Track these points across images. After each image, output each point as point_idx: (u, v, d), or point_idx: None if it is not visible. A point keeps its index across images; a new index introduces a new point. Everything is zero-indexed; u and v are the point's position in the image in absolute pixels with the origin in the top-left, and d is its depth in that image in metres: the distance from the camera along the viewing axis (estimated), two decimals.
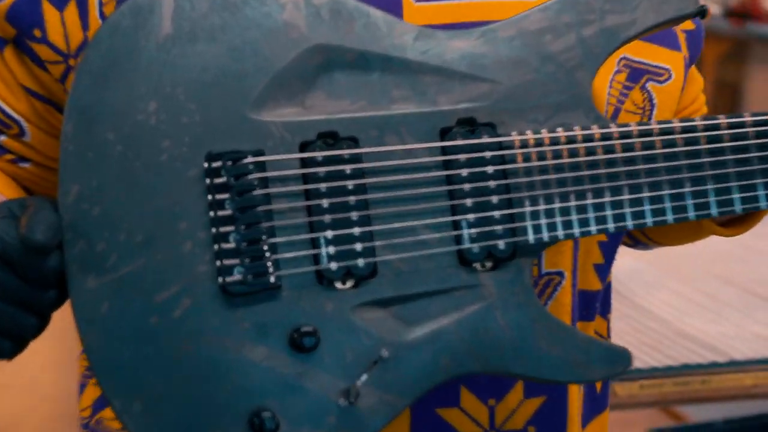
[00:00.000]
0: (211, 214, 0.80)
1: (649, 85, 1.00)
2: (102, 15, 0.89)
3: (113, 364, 0.78)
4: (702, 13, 0.91)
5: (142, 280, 0.79)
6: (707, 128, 0.89)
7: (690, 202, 0.88)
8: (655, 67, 1.00)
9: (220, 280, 0.80)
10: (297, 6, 0.83)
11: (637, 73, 0.99)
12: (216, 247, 0.80)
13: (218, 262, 0.80)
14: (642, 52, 1.00)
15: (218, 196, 0.80)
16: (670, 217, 0.88)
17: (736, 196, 0.89)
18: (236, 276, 0.80)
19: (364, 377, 0.81)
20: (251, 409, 0.79)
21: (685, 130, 0.88)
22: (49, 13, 0.89)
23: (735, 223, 1.07)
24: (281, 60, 0.83)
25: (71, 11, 0.89)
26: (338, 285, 0.82)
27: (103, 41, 0.80)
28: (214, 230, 0.80)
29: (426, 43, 0.86)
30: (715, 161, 0.88)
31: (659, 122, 0.88)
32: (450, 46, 0.87)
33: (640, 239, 1.18)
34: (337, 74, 0.85)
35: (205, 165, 0.80)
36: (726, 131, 0.89)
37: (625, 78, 0.99)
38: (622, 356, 0.88)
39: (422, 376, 0.83)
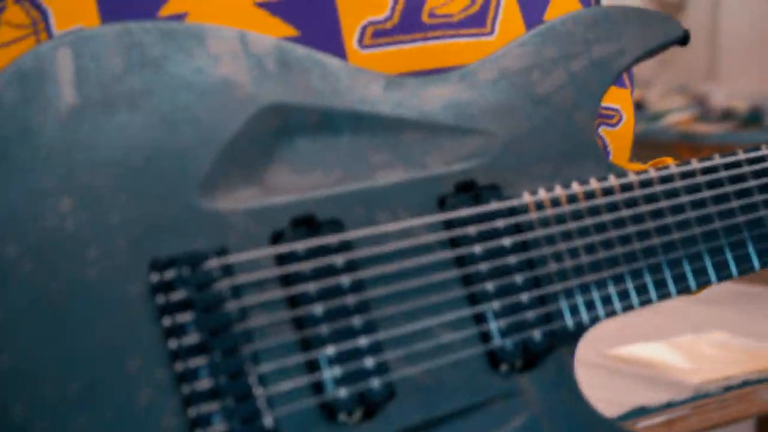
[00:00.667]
0: (171, 345, 0.57)
1: (602, 130, 0.87)
2: None
3: None
4: (686, 38, 0.78)
5: None
6: (728, 166, 0.75)
7: (730, 255, 0.73)
8: (605, 108, 0.87)
9: None
10: (235, 57, 0.63)
11: None
12: (185, 389, 0.56)
13: (191, 411, 0.56)
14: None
15: (178, 319, 0.57)
16: (713, 276, 0.72)
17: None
18: (219, 426, 0.57)
19: None
20: None
21: (706, 170, 0.74)
22: None
23: None
24: (227, 129, 0.62)
25: None
26: (351, 418, 0.60)
27: None
28: (178, 367, 0.57)
29: (399, 93, 0.68)
30: (745, 204, 0.74)
31: (677, 165, 0.73)
32: (427, 95, 0.69)
33: None
34: (299, 141, 0.64)
35: (153, 277, 0.57)
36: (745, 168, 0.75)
37: None
38: None
39: None
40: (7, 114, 0.57)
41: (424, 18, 0.75)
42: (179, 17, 0.68)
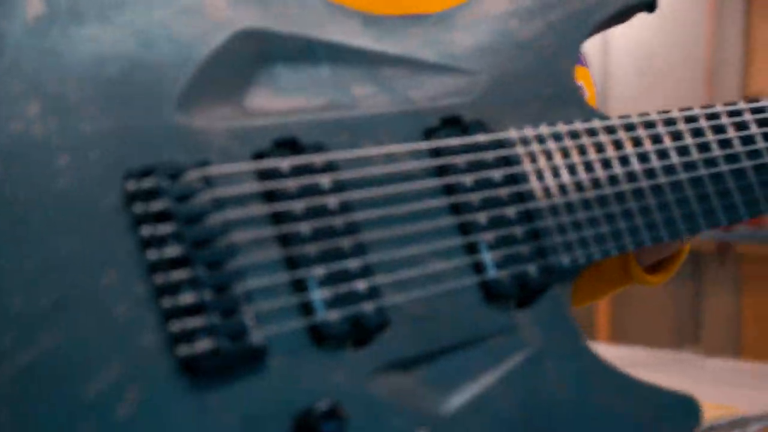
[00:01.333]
0: (151, 255, 0.52)
1: None
2: None
3: None
4: (654, 4, 0.78)
5: (59, 368, 0.49)
6: (709, 117, 0.73)
7: (717, 202, 0.71)
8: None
9: (182, 351, 0.51)
10: None
11: None
12: (166, 303, 0.52)
13: (174, 326, 0.51)
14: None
15: (158, 229, 0.53)
16: (702, 223, 0.70)
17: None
18: (205, 343, 0.52)
19: None
20: None
21: (688, 119, 0.72)
22: None
23: (658, 269, 0.94)
24: (204, 47, 0.58)
25: None
26: (340, 344, 0.56)
27: None
28: (158, 279, 0.52)
29: (378, 29, 0.65)
30: (729, 154, 0.73)
31: (659, 112, 0.72)
32: (407, 33, 0.66)
33: None
34: (279, 67, 0.61)
35: (130, 186, 0.53)
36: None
37: None
38: (692, 406, 0.67)
39: None
40: None
41: None
42: None
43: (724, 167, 0.72)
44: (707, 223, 0.71)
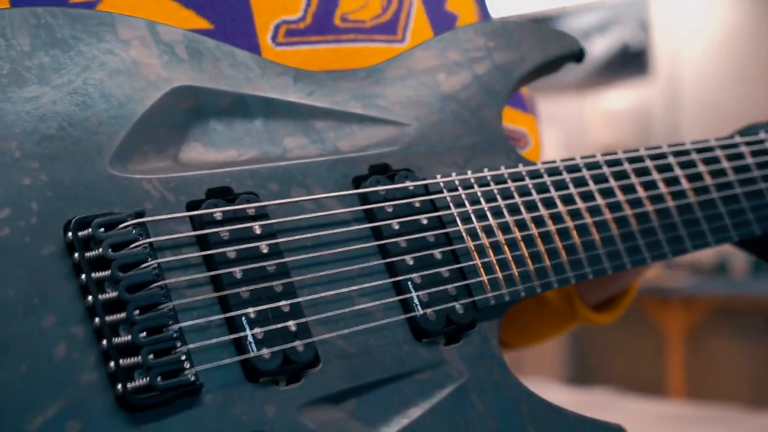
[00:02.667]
0: (89, 300, 0.54)
1: None
2: None
3: None
4: (581, 54, 0.83)
5: (2, 404, 0.50)
6: (631, 160, 0.78)
7: (621, 246, 0.75)
8: (512, 131, 0.90)
9: (119, 387, 0.53)
10: (144, 43, 0.63)
11: None
12: (104, 343, 0.53)
13: (111, 365, 0.53)
14: (506, 116, 0.89)
15: (95, 275, 0.55)
16: (607, 265, 0.74)
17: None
18: (140, 380, 0.53)
19: None
20: None
21: (610, 163, 0.77)
22: None
23: (606, 308, 0.97)
24: (139, 105, 0.62)
25: None
26: (274, 380, 0.58)
27: None
28: (96, 321, 0.54)
29: (308, 84, 0.69)
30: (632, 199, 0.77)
31: (582, 157, 0.76)
32: (337, 87, 0.70)
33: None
34: (213, 122, 0.65)
35: (69, 235, 0.55)
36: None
37: None
38: None
39: None
40: None
41: (336, 21, 0.77)
42: (90, 5, 0.68)
43: (649, 207, 0.76)
44: (631, 260, 0.74)
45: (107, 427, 0.52)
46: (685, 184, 0.79)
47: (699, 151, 0.81)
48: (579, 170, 0.74)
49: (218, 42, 0.66)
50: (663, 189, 0.77)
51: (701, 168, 0.80)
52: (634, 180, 0.77)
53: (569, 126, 5.50)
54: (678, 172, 0.79)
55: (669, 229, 0.77)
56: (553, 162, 0.74)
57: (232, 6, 0.73)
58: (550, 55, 0.79)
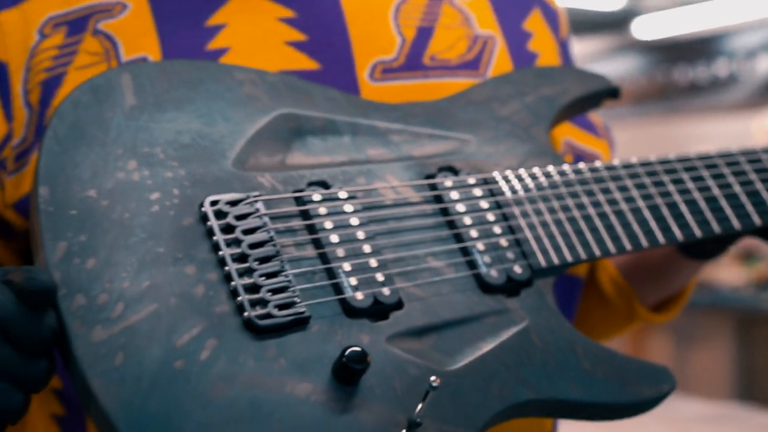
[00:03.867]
0: (220, 253, 0.73)
1: None
2: (28, 103, 0.83)
3: (141, 416, 0.66)
4: (617, 91, 0.98)
5: (157, 325, 0.69)
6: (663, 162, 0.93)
7: (655, 225, 0.89)
8: (590, 154, 1.05)
9: (245, 314, 0.71)
10: (253, 83, 0.83)
11: (577, 159, 1.03)
12: (233, 284, 0.72)
13: (239, 298, 0.71)
14: (581, 138, 1.05)
15: (225, 237, 0.74)
16: (660, 237, 0.88)
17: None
18: (264, 309, 0.71)
19: (419, 406, 0.71)
20: None
21: (642, 164, 0.92)
22: None
23: (663, 308, 1.09)
24: (253, 124, 0.80)
25: None
26: (367, 317, 0.75)
27: (67, 113, 0.76)
28: (227, 268, 0.72)
29: (386, 111, 0.87)
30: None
31: (621, 161, 0.91)
32: (409, 113, 0.88)
33: None
34: (311, 138, 0.82)
35: (205, 208, 0.74)
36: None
37: (572, 161, 1.02)
38: (666, 374, 0.82)
39: (478, 405, 0.74)
40: (84, 107, 0.76)
41: (426, 60, 0.93)
42: (223, 51, 0.86)
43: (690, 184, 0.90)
44: (665, 237, 0.88)
45: (237, 342, 0.69)
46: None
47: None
48: (616, 169, 0.90)
49: (311, 82, 0.85)
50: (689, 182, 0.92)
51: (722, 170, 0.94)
52: (659, 170, 0.91)
53: (734, 145, 5.47)
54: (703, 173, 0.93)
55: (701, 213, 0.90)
56: (595, 165, 0.89)
57: (336, 49, 0.89)
58: (588, 90, 0.95)
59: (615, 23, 6.57)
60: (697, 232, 0.89)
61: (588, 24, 6.52)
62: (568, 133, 1.03)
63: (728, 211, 0.91)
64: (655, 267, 1.06)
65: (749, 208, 0.92)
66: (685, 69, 6.33)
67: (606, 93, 0.97)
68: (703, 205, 0.91)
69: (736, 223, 0.91)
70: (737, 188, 0.93)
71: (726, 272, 5.40)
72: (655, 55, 6.57)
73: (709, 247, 0.99)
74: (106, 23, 0.85)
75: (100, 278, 0.69)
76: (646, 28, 6.46)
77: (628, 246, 0.86)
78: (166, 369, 0.67)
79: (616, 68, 6.66)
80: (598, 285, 1.09)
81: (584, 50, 6.63)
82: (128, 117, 0.77)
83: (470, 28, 0.97)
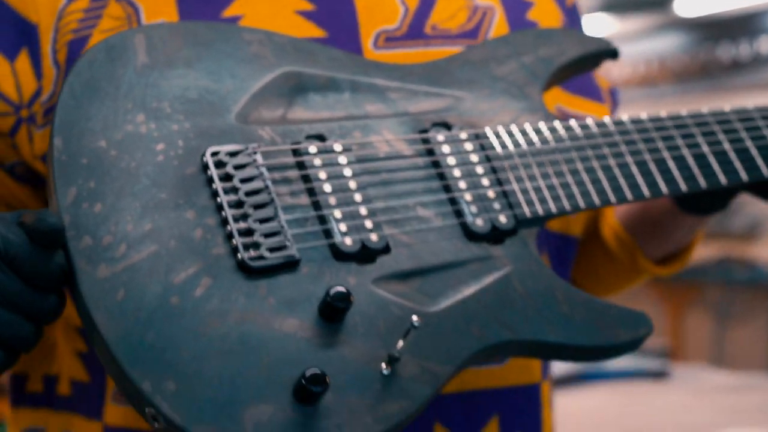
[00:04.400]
0: (218, 200, 0.78)
1: None
2: (56, 62, 0.89)
3: (137, 347, 0.71)
4: (615, 52, 1.01)
5: (156, 265, 0.75)
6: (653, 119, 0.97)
7: (642, 180, 0.93)
8: (574, 114, 1.08)
9: (239, 256, 0.76)
10: (261, 42, 0.88)
11: None
12: (228, 228, 0.77)
13: (234, 241, 0.77)
14: (573, 104, 1.08)
15: (224, 185, 0.79)
16: (645, 190, 0.92)
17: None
18: (257, 251, 0.77)
19: (400, 343, 0.76)
20: (294, 378, 0.73)
21: (633, 121, 0.96)
22: None
23: (668, 261, 1.12)
24: (257, 81, 0.86)
25: (23, 61, 0.90)
26: (355, 261, 0.80)
27: (83, 71, 0.82)
28: (224, 213, 0.78)
29: (386, 70, 0.92)
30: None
31: (612, 119, 0.95)
32: (408, 71, 0.92)
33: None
34: (312, 94, 0.88)
35: (206, 158, 0.80)
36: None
37: None
38: (643, 319, 0.87)
39: (458, 343, 0.79)
40: (99, 65, 0.82)
41: (427, 30, 0.98)
42: (237, 18, 0.92)
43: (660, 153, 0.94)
44: (651, 190, 0.92)
45: (230, 281, 0.75)
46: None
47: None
48: (606, 126, 0.94)
49: (317, 43, 0.90)
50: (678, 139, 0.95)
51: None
52: (649, 126, 0.95)
53: None
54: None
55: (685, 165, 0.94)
56: (586, 122, 0.93)
57: (342, 19, 0.95)
58: (586, 50, 0.99)
59: (657, 1, 6.54)
60: (683, 187, 0.93)
61: (630, 2, 6.49)
62: (559, 100, 1.06)
63: (716, 167, 0.95)
64: (655, 221, 1.10)
65: (737, 164, 0.96)
66: (728, 46, 6.28)
67: (605, 54, 1.01)
68: (690, 161, 0.94)
69: (722, 179, 0.95)
70: (726, 145, 0.96)
71: (766, 250, 5.39)
72: (698, 32, 6.52)
73: (705, 203, 1.03)
74: None
75: (107, 221, 0.75)
76: (688, 6, 6.42)
77: (612, 198, 0.90)
78: (163, 304, 0.73)
79: (657, 46, 6.62)
80: (602, 239, 1.14)
81: (626, 28, 6.60)
82: (139, 74, 0.83)
83: None
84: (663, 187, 0.92)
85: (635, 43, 6.44)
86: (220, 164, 0.80)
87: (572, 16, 1.11)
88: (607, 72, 6.77)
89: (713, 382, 2.52)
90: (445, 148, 0.88)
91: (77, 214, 0.75)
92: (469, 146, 0.89)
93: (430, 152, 0.87)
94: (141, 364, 0.71)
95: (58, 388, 0.97)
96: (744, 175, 0.96)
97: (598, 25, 6.63)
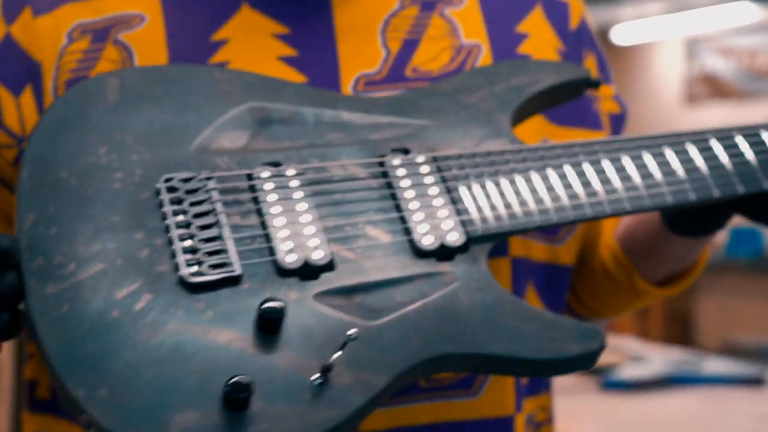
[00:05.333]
0: (167, 221, 0.83)
1: None
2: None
3: (75, 357, 0.76)
4: (593, 82, 1.02)
5: (102, 282, 0.79)
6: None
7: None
8: None
9: (180, 272, 0.81)
10: (230, 81, 0.93)
11: None
12: (173, 246, 0.82)
13: (177, 259, 0.81)
14: (560, 135, 1.07)
15: (174, 207, 0.84)
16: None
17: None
18: (198, 268, 0.81)
19: (335, 355, 0.79)
20: (224, 386, 0.76)
21: (603, 141, 0.97)
22: (5, 98, 0.97)
23: (670, 283, 1.11)
24: (222, 114, 0.91)
25: (27, 96, 0.97)
26: (298, 278, 0.83)
27: (58, 110, 0.88)
28: (170, 234, 0.82)
29: (353, 103, 0.95)
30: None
31: (579, 141, 0.96)
32: (374, 104, 0.96)
33: (576, 309, 1.18)
34: (276, 126, 0.92)
35: (159, 184, 0.85)
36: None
37: None
38: (595, 332, 0.86)
39: (396, 355, 0.81)
40: (73, 105, 0.89)
41: (407, 72, 1.01)
42: (224, 64, 0.97)
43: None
44: (594, 211, 0.92)
45: (171, 297, 0.79)
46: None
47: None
48: (570, 146, 0.95)
49: (286, 80, 0.95)
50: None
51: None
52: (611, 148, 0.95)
53: None
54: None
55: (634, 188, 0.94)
56: (547, 144, 0.94)
57: (324, 64, 0.98)
58: (561, 79, 1.00)
59: None
60: (627, 206, 0.93)
61: None
62: (545, 132, 1.06)
63: (665, 188, 0.94)
64: (646, 242, 1.09)
65: (734, 178, 0.96)
66: None
67: (582, 83, 1.02)
68: (639, 182, 0.94)
69: (669, 199, 0.94)
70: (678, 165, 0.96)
71: None
72: None
73: (696, 224, 1.02)
74: (125, 34, 0.98)
75: (59, 243, 0.81)
76: None
77: (571, 216, 0.91)
78: (104, 318, 0.78)
79: None
80: (601, 260, 1.13)
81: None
82: (108, 110, 0.89)
83: (456, 38, 1.03)
84: (626, 205, 0.93)
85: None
86: (172, 189, 0.85)
87: (577, 39, 1.11)
88: (751, 61, 6.64)
89: None
90: (400, 171, 0.90)
91: (34, 237, 0.81)
92: (425, 169, 0.91)
93: (385, 175, 0.90)
94: (78, 373, 0.76)
95: None
96: (693, 196, 0.95)
97: (743, 14, 6.50)
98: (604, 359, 2.70)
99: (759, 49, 6.79)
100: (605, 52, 1.19)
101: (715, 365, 2.54)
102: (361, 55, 1.00)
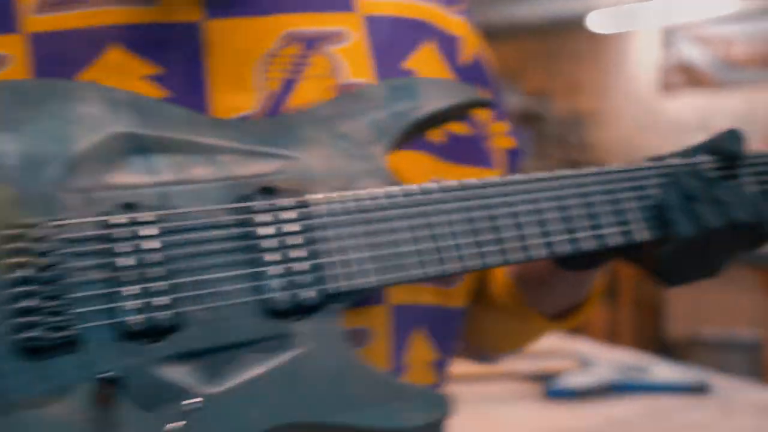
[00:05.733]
0: (8, 276, 0.79)
1: None
2: None
3: None
4: (486, 103, 0.98)
5: None
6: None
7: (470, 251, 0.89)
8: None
9: (18, 336, 0.77)
10: (96, 100, 0.87)
11: None
12: (14, 306, 0.78)
13: (16, 320, 0.77)
14: (450, 173, 1.03)
15: (16, 260, 0.79)
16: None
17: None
18: (34, 332, 0.77)
19: (168, 426, 0.75)
20: None
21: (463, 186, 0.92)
22: None
23: (561, 316, 1.09)
24: (81, 144, 0.85)
25: None
26: (142, 340, 0.79)
27: None
28: (12, 291, 0.78)
29: (224, 129, 0.90)
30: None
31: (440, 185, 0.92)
32: (247, 130, 0.91)
33: (476, 346, 1.15)
34: (139, 158, 0.86)
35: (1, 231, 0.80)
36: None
37: None
38: (440, 401, 0.84)
39: (237, 426, 0.77)
40: None
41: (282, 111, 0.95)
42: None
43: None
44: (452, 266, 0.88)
45: (10, 365, 0.75)
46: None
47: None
48: (431, 193, 0.90)
49: (158, 100, 0.89)
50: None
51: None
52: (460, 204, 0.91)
53: None
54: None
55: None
56: (410, 189, 0.90)
57: (198, 108, 0.92)
58: (446, 104, 0.95)
59: None
60: (477, 263, 0.89)
61: None
62: (436, 172, 1.02)
63: (533, 240, 0.91)
64: (538, 277, 1.06)
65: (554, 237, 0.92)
66: None
67: (472, 105, 0.97)
68: (511, 233, 0.90)
69: (535, 253, 0.91)
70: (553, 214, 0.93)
71: None
72: None
73: (574, 262, 0.99)
74: None
75: None
76: None
77: (432, 273, 0.87)
78: None
79: None
80: (494, 296, 1.11)
81: (747, 6, 6.44)
82: None
83: (339, 77, 0.98)
84: (501, 258, 0.89)
85: (757, 21, 6.30)
86: (15, 238, 0.80)
87: (469, 75, 1.07)
88: (728, 51, 6.61)
89: (749, 398, 2.40)
90: (263, 218, 0.86)
91: None
92: (290, 215, 0.87)
93: (247, 223, 0.86)
94: None
95: None
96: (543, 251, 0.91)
97: (720, 3, 6.48)
98: (550, 365, 2.66)
99: (735, 38, 6.75)
100: (505, 93, 1.14)
101: (662, 371, 2.52)
102: (238, 95, 0.95)
